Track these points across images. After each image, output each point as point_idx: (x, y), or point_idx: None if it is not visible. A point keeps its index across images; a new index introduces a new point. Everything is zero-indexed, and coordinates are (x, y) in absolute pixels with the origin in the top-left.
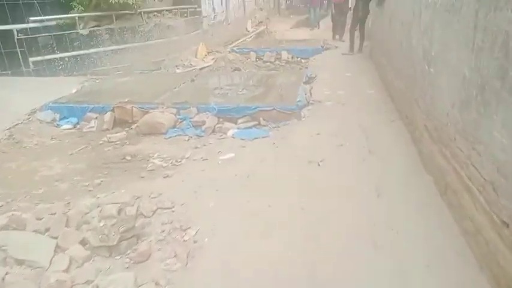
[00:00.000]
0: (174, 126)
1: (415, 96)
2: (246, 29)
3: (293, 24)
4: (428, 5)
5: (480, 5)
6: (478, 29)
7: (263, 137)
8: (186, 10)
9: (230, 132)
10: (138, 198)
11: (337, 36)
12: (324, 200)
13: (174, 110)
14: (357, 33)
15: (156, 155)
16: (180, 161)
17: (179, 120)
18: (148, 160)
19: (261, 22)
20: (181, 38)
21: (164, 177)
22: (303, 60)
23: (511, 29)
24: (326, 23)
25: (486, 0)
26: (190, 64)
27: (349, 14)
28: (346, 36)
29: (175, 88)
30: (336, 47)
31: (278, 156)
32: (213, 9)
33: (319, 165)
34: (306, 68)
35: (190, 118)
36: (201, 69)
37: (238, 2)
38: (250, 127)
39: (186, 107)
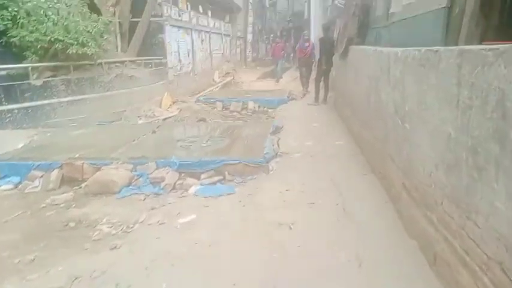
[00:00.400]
0: (129, 184)
1: (389, 151)
2: (213, 79)
3: (259, 76)
4: (398, 60)
5: (463, 60)
6: (462, 85)
7: (228, 194)
8: (150, 61)
9: (192, 189)
10: (76, 279)
11: (305, 89)
12: (299, 273)
13: (130, 166)
14: (322, 84)
15: (104, 220)
16: (132, 227)
17: (135, 177)
18: (95, 227)
19: (228, 73)
20: (144, 88)
21: (111, 248)
22: (269, 110)
23: (507, 87)
24: (291, 74)
25: (470, 55)
26: (154, 114)
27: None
28: (312, 87)
29: (134, 141)
30: (302, 98)
31: (245, 217)
32: (179, 60)
33: (290, 228)
34: (273, 118)
35: (148, 174)
36: (164, 119)
37: (205, 54)
38: (214, 183)
39: (144, 162)
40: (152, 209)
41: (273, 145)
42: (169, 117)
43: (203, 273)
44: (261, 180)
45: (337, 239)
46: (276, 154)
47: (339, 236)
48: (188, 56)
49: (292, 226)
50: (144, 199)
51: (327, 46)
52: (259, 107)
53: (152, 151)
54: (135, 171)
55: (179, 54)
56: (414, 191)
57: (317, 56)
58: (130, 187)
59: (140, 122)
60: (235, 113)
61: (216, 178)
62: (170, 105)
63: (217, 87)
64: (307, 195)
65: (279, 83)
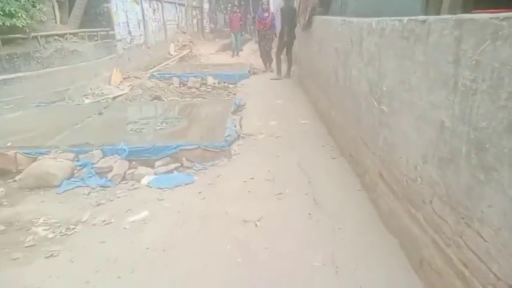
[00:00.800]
0: (71, 176)
1: (361, 134)
2: (169, 52)
3: (218, 48)
4: (372, 31)
5: (463, 32)
6: (462, 64)
7: (186, 184)
8: (95, 33)
9: (145, 180)
10: None
11: (269, 64)
12: (268, 283)
13: (72, 155)
14: (284, 58)
15: (40, 221)
16: (73, 229)
17: (78, 168)
18: (28, 229)
19: (185, 45)
20: (90, 63)
21: (47, 257)
22: (230, 86)
23: None
24: (251, 46)
25: (473, 26)
26: (102, 93)
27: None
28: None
29: (77, 125)
30: (264, 72)
31: (205, 213)
32: (129, 32)
33: (256, 225)
34: (234, 94)
35: (93, 164)
36: (114, 98)
37: (159, 25)
38: (170, 171)
39: (88, 150)
40: (98, 205)
41: (235, 126)
42: (120, 95)
43: (154, 287)
44: (222, 167)
45: (309, 237)
46: (239, 136)
47: (311, 233)
48: (139, 27)
49: (258, 223)
50: (89, 193)
51: (289, 16)
52: (219, 82)
53: (98, 136)
54: (78, 160)
55: (128, 25)
56: (394, 183)
57: (278, 28)
58: (72, 179)
59: (87, 101)
60: (193, 90)
61: (172, 166)
62: (121, 81)
63: (174, 61)
64: (273, 184)
65: (239, 56)
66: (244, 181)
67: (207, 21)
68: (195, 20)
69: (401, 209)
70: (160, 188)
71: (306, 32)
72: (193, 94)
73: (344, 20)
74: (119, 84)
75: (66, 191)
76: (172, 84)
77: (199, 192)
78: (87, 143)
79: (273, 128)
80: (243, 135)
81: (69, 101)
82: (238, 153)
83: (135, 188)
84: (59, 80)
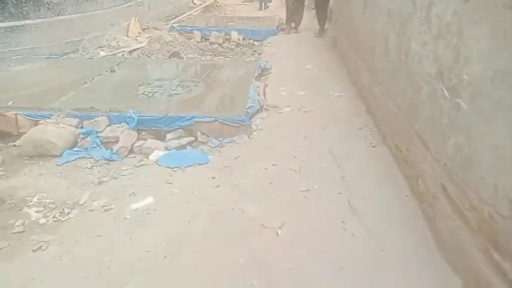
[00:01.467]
0: (74, 145)
1: (418, 127)
2: (192, 1)
3: None
4: None
5: None
6: None
7: (199, 165)
8: None
9: (154, 155)
10: None
11: (293, 24)
12: None
13: (75, 121)
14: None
15: (35, 200)
16: (68, 213)
17: (81, 136)
18: (21, 209)
19: None
20: (106, 11)
21: (34, 250)
22: (255, 43)
23: None
24: None
25: None
26: (118, 45)
27: None
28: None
29: (85, 83)
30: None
31: (217, 210)
32: None
33: (277, 234)
34: (259, 54)
35: (98, 133)
36: (130, 52)
37: None
38: (183, 146)
39: (94, 116)
40: (100, 183)
41: (259, 95)
42: (137, 48)
43: None
44: (242, 145)
45: (343, 260)
46: (262, 107)
47: (345, 255)
48: None
49: (279, 231)
50: (92, 167)
51: None
52: (243, 38)
53: (106, 99)
54: (82, 127)
55: None
56: (468, 209)
57: None
58: (75, 149)
59: (102, 53)
60: (215, 46)
61: (185, 140)
62: (139, 32)
63: (197, 10)
64: (299, 176)
65: (268, 8)
66: (266, 168)
67: None
68: None
69: (475, 245)
70: (169, 167)
71: None
72: (215, 51)
73: None
74: (137, 36)
75: (67, 162)
76: (193, 38)
77: (213, 178)
78: (92, 107)
79: (301, 99)
80: (267, 107)
81: (83, 53)
82: (260, 129)
83: (142, 165)
84: (73, 29)
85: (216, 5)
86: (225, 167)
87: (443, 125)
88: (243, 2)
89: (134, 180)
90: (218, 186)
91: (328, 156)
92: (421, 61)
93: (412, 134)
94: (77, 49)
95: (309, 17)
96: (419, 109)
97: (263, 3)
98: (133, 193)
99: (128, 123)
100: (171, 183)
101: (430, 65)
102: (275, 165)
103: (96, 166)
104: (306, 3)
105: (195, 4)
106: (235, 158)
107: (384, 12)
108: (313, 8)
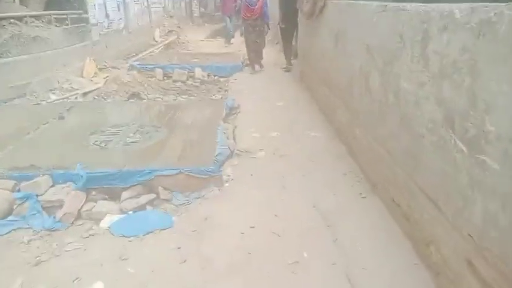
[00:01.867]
0: (8, 213)
1: (421, 181)
2: (154, 38)
3: (208, 34)
4: (456, 26)
5: None
6: None
7: (162, 230)
8: (65, 17)
9: (106, 221)
10: None
11: (256, 66)
12: None
13: (11, 183)
14: (280, 48)
15: None
16: None
17: (17, 201)
18: None
19: (172, 31)
20: (58, 52)
21: None
22: (221, 80)
23: None
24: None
25: None
26: (71, 87)
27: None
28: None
29: (28, 134)
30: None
31: None
32: (106, 15)
33: None
34: (226, 91)
35: (39, 196)
36: (85, 94)
37: (142, 7)
38: (142, 206)
39: (33, 176)
40: (37, 264)
41: (228, 138)
42: (93, 90)
43: None
44: (211, 201)
45: None
46: (233, 152)
47: None
48: (119, 10)
49: None
50: (29, 241)
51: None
52: (208, 75)
53: (51, 154)
54: (19, 190)
55: (106, 8)
56: None
57: (273, 18)
58: (9, 218)
59: (53, 97)
60: (179, 84)
61: (144, 198)
62: (95, 73)
63: (159, 48)
64: (283, 241)
65: (232, 44)
66: (242, 233)
67: (196, 5)
68: (183, 3)
69: None
70: (124, 236)
71: (313, 20)
72: (179, 90)
73: (385, 6)
74: (92, 77)
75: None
76: (154, 76)
77: (178, 248)
78: (32, 165)
79: (275, 141)
80: (238, 152)
81: (32, 98)
82: (232, 179)
83: (91, 235)
84: (18, 73)
85: (178, 41)
86: (193, 231)
87: (462, 185)
88: (206, 38)
89: (80, 257)
90: (185, 261)
91: (313, 212)
92: (419, 104)
93: (412, 188)
94: (24, 94)
95: (272, 52)
96: (420, 159)
97: (229, 39)
98: (77, 278)
99: (75, 182)
100: (126, 259)
101: (432, 109)
102: (253, 227)
103: (35, 239)
104: (268, 39)
105: (156, 42)
106: (205, 219)
107: (360, 47)
108: (277, 43)
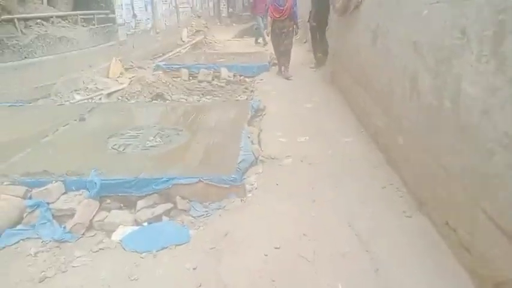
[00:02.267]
0: (18, 221)
1: (491, 210)
2: (181, 38)
3: (235, 34)
4: None
5: None
6: None
7: (177, 246)
8: (91, 17)
9: (118, 233)
10: None
11: (282, 68)
12: None
13: (23, 190)
14: (308, 47)
15: None
16: None
17: (28, 209)
18: None
19: (199, 31)
20: (84, 52)
21: None
22: (247, 80)
23: None
24: None
25: None
26: (96, 87)
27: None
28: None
29: (46, 136)
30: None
31: None
32: (134, 15)
33: None
34: (251, 91)
35: (49, 204)
36: (109, 94)
37: (170, 7)
38: (158, 217)
39: (46, 182)
40: (41, 280)
41: (252, 143)
42: (118, 90)
43: None
44: (232, 214)
45: None
46: (257, 159)
47: None
48: (146, 10)
49: None
50: (36, 253)
51: None
52: (234, 75)
53: (66, 158)
54: (30, 197)
55: (133, 8)
56: None
57: (304, 16)
58: (19, 227)
59: (77, 97)
60: (204, 84)
61: (161, 208)
62: (121, 73)
63: (186, 48)
64: (313, 267)
65: (267, 43)
66: (266, 254)
67: (224, 5)
68: (211, 3)
69: None
70: (136, 252)
71: (347, 17)
72: (204, 90)
73: None
74: (118, 77)
75: (5, 246)
76: (180, 77)
77: (194, 269)
78: (45, 171)
79: (304, 147)
80: (263, 158)
81: (56, 98)
82: (256, 188)
83: (101, 249)
84: (43, 73)
85: (205, 41)
86: (211, 248)
87: None
88: (233, 37)
89: (87, 275)
90: (200, 285)
91: (348, 232)
92: (489, 113)
93: (476, 214)
94: (49, 94)
95: (301, 51)
96: (489, 181)
97: (262, 38)
98: None
99: (88, 190)
100: (136, 279)
101: (509, 120)
102: (278, 248)
103: (43, 251)
104: (296, 38)
105: (183, 42)
106: (225, 235)
107: (405, 44)
108: (305, 42)
